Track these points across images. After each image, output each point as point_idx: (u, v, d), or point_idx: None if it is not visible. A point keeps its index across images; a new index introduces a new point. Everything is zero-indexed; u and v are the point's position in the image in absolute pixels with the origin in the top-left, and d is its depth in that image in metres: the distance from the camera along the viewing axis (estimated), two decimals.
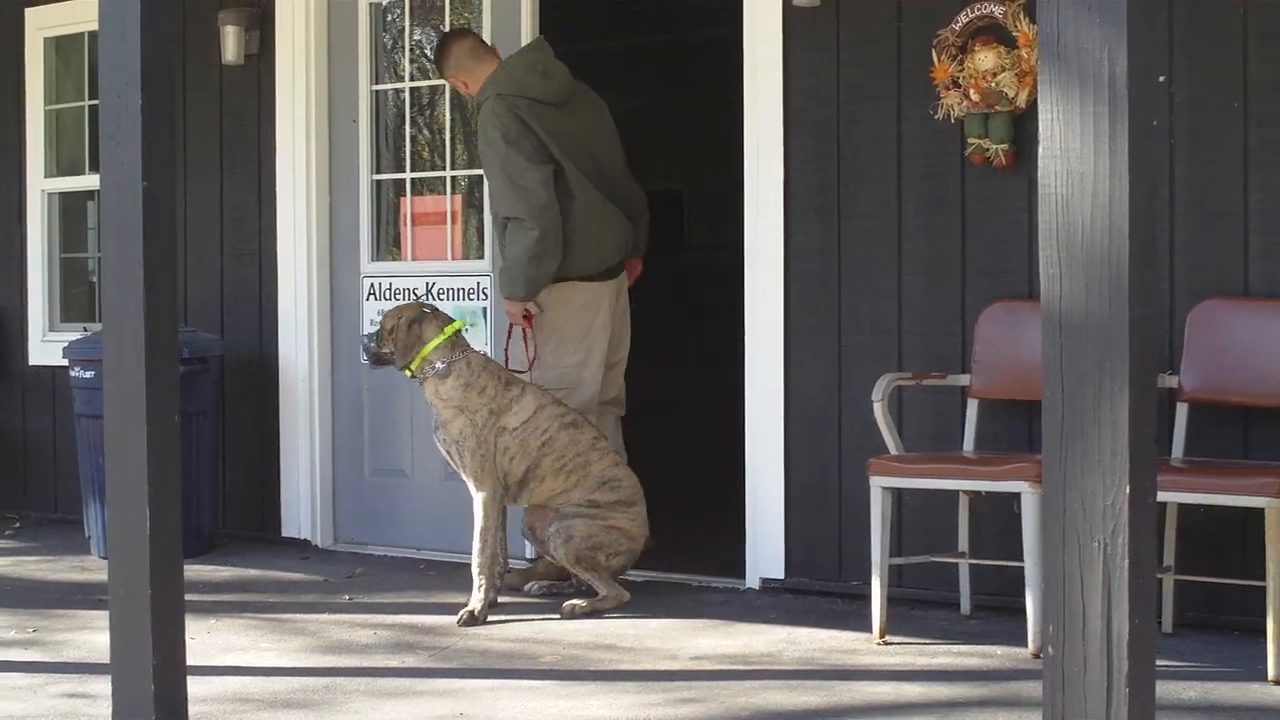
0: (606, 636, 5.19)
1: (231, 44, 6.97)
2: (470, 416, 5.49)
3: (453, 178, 6.80)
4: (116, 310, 3.44)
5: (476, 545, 5.47)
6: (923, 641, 5.03)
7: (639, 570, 5.85)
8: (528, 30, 6.44)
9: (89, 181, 7.66)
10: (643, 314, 6.33)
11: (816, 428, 5.77)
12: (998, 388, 5.32)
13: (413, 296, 6.60)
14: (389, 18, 6.99)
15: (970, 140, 5.42)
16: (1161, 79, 4.99)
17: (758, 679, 4.61)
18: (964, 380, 5.40)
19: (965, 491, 5.23)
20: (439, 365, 5.52)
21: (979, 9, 5.39)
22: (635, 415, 6.33)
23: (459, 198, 6.82)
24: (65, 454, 7.44)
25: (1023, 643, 4.81)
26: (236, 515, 7.12)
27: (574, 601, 5.53)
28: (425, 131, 7.23)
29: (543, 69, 5.89)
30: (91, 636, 5.17)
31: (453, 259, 6.72)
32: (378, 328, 5.70)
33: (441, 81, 6.52)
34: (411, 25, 6.97)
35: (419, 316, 5.60)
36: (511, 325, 6.00)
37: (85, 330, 7.41)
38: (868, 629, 5.04)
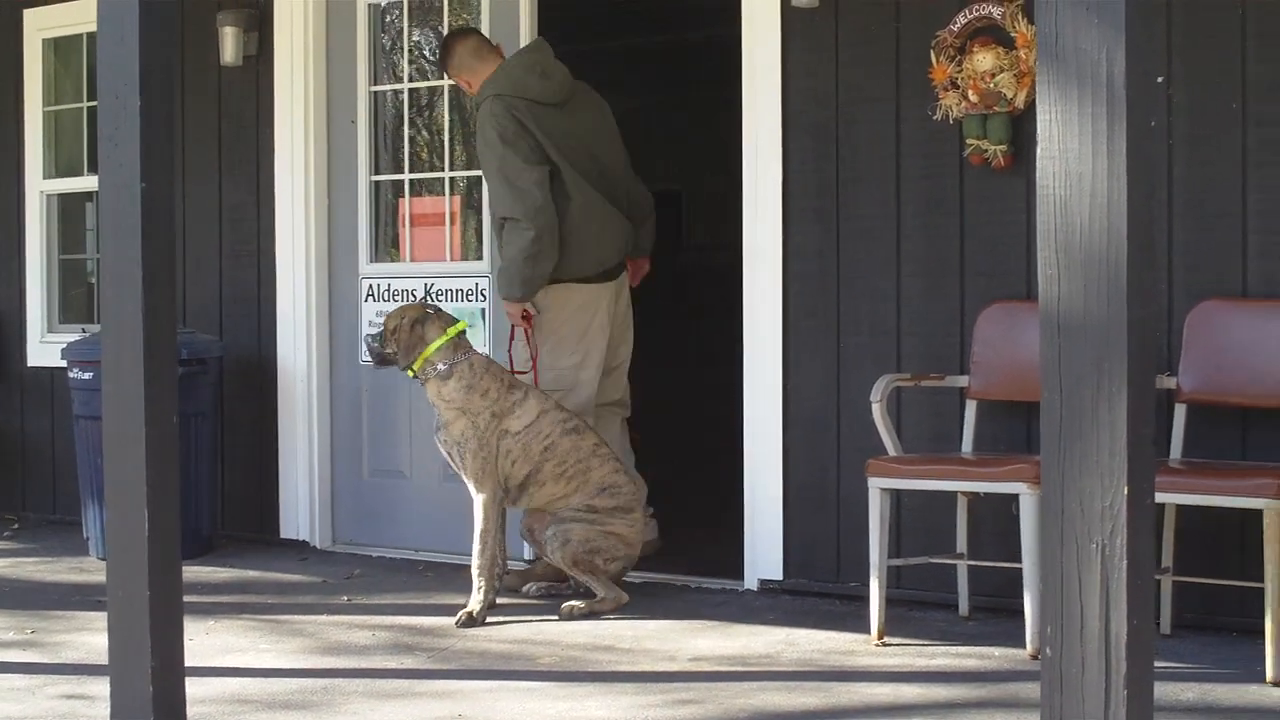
0: (605, 638, 5.19)
1: (230, 45, 6.97)
2: (472, 419, 5.48)
3: (451, 179, 6.80)
4: (115, 311, 3.44)
5: (476, 547, 5.47)
6: (921, 643, 5.03)
7: (637, 571, 5.85)
8: (526, 31, 6.44)
9: (88, 183, 7.66)
10: (641, 314, 6.33)
11: (815, 429, 5.77)
12: (996, 389, 5.32)
13: (411, 298, 6.60)
14: (387, 19, 6.99)
15: (969, 141, 5.42)
16: (1160, 80, 4.99)
17: (756, 680, 4.61)
18: (962, 381, 5.40)
19: (964, 493, 5.23)
20: (441, 367, 5.52)
21: (977, 10, 5.39)
22: (634, 416, 6.33)
23: (458, 199, 6.82)
24: (64, 455, 7.44)
25: (1021, 644, 4.81)
26: (235, 516, 7.12)
27: (572, 603, 5.53)
28: (424, 133, 7.23)
29: (541, 70, 5.89)
30: (90, 638, 5.17)
31: (451, 260, 6.72)
32: (381, 328, 5.70)
33: (440, 83, 6.52)
34: (410, 26, 6.96)
35: (422, 317, 5.59)
36: (514, 326, 6.00)
37: (84, 331, 7.40)
38: (866, 630, 5.04)
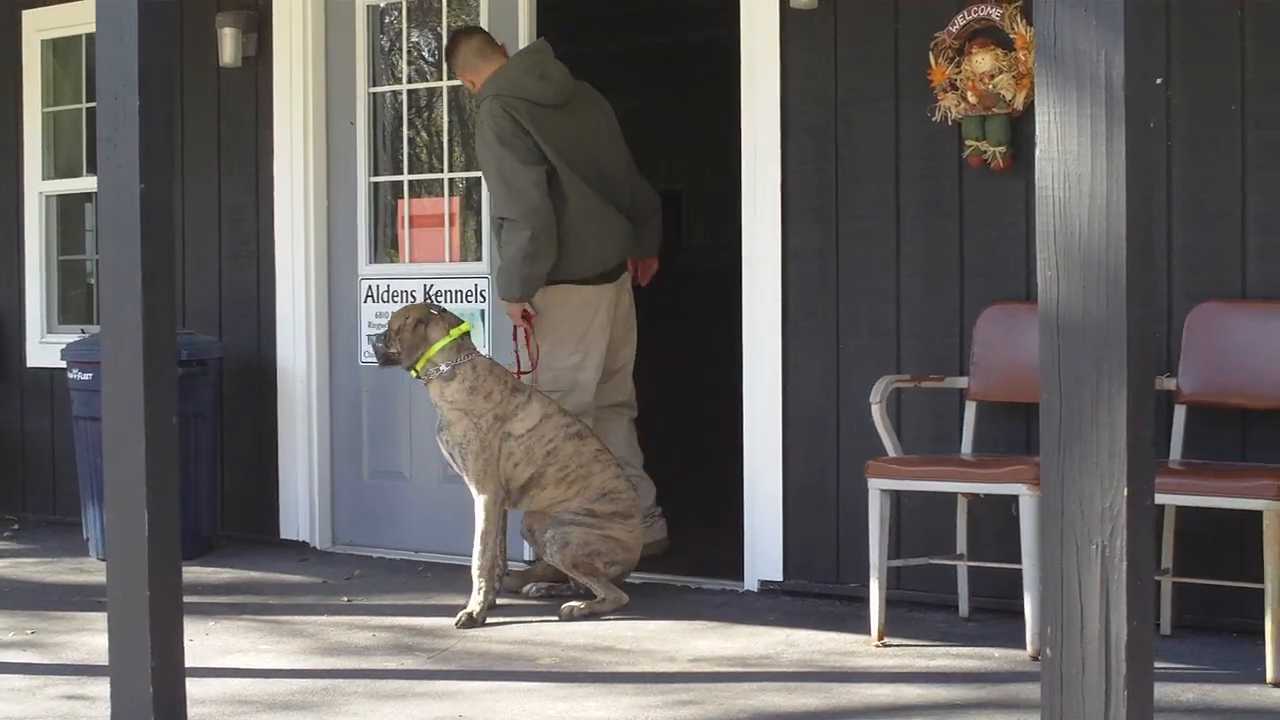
0: (605, 638, 5.19)
1: (229, 46, 6.97)
2: (475, 420, 5.48)
3: (450, 180, 6.80)
4: (114, 312, 3.43)
5: (477, 548, 5.47)
6: (921, 643, 5.03)
7: (638, 572, 5.85)
8: (525, 31, 6.44)
9: (87, 184, 7.66)
10: (641, 315, 6.33)
11: (815, 429, 5.77)
12: (996, 390, 5.32)
13: (411, 299, 6.60)
14: (386, 20, 6.99)
15: (968, 142, 5.42)
16: (1159, 81, 4.99)
17: (756, 681, 4.61)
18: (962, 382, 5.40)
19: (963, 494, 5.23)
20: (444, 368, 5.52)
21: (976, 11, 5.39)
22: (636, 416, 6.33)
23: (457, 200, 6.82)
24: (63, 456, 7.44)
25: (1021, 645, 4.81)
26: (235, 517, 7.12)
27: (572, 603, 5.53)
28: (423, 134, 7.23)
29: (541, 71, 5.89)
30: (90, 638, 5.17)
31: (450, 261, 6.72)
32: (385, 328, 5.70)
33: (439, 84, 6.52)
34: (409, 27, 6.97)
35: (426, 317, 5.59)
36: (516, 326, 6.01)
37: (83, 332, 7.41)
38: (866, 631, 5.04)
